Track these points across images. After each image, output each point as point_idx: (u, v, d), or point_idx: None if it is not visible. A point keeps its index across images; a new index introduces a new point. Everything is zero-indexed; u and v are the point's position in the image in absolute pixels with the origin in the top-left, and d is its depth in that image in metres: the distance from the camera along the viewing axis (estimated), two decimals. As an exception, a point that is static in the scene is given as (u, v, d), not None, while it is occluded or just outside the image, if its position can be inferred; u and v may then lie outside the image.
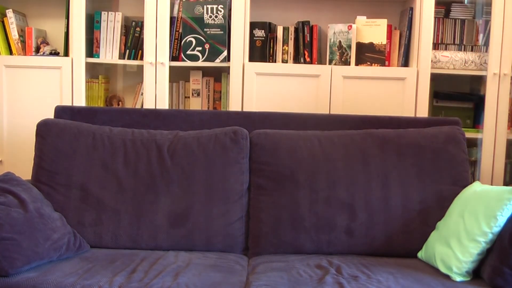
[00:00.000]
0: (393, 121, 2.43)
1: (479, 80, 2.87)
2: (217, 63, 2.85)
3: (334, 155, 2.22)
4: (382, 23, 2.79)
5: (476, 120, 2.88)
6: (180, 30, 2.86)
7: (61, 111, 2.46)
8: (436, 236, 2.07)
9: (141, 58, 2.86)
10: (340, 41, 2.82)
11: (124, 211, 2.21)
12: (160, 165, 2.25)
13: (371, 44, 2.80)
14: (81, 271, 1.87)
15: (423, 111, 2.77)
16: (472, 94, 2.92)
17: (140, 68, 2.86)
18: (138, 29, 2.88)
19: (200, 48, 2.84)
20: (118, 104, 3.04)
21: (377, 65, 2.80)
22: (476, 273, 1.91)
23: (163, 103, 2.82)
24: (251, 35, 2.87)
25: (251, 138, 2.31)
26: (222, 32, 2.83)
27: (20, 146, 2.80)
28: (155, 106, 2.80)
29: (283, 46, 2.87)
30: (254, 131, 2.34)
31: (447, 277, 1.91)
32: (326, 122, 2.42)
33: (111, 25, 2.89)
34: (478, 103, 2.88)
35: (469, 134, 2.82)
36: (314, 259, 2.06)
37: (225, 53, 2.84)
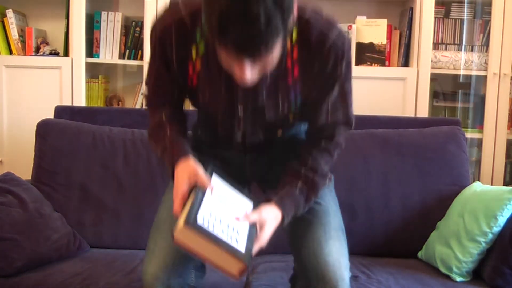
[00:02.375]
0: (393, 121, 2.42)
1: (479, 80, 2.87)
2: (217, 63, 2.85)
3: (334, 155, 2.22)
4: (382, 23, 2.79)
5: (477, 120, 2.88)
6: (180, 30, 2.86)
7: (61, 111, 2.46)
8: (436, 236, 2.07)
9: (141, 58, 2.86)
10: (340, 41, 2.81)
11: (124, 211, 2.21)
12: (160, 165, 2.25)
13: (371, 44, 2.80)
14: (81, 271, 1.87)
15: (423, 111, 2.77)
16: (472, 94, 2.92)
17: (140, 68, 2.86)
18: (138, 29, 2.87)
19: (200, 48, 2.84)
20: (118, 104, 3.04)
21: (377, 65, 2.80)
22: (476, 273, 1.91)
23: (163, 103, 2.81)
24: (251, 35, 2.86)
25: (251, 138, 2.31)
26: (222, 32, 2.83)
27: (20, 146, 2.79)
28: (155, 106, 2.80)
29: (283, 46, 2.86)
30: (254, 131, 2.34)
31: (447, 277, 1.91)
32: (326, 122, 2.42)
33: (111, 25, 2.89)
34: (478, 103, 2.88)
35: (470, 134, 2.82)
36: (314, 259, 2.06)
37: (225, 53, 2.83)
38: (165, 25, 1.39)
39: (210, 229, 1.21)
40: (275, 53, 1.20)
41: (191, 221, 1.19)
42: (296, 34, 1.34)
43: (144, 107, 1.60)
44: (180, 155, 1.42)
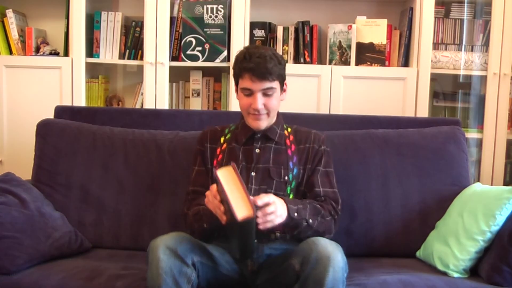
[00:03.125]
0: (393, 121, 2.43)
1: (479, 80, 2.88)
2: (217, 63, 2.85)
3: (334, 155, 2.21)
4: (382, 23, 2.79)
5: (477, 120, 2.88)
6: (180, 30, 2.86)
7: (61, 111, 2.46)
8: (435, 235, 2.08)
9: (141, 58, 2.86)
10: (340, 41, 2.82)
11: (125, 211, 2.21)
12: (160, 165, 2.25)
13: (371, 44, 2.80)
14: (83, 269, 1.87)
15: (423, 111, 2.77)
16: (472, 94, 2.92)
17: (140, 68, 2.86)
18: (138, 29, 2.88)
19: (200, 48, 2.84)
20: (118, 104, 3.04)
21: (377, 65, 2.80)
22: (473, 272, 1.91)
23: (163, 103, 2.82)
24: (251, 35, 2.87)
25: (251, 138, 2.31)
26: (222, 32, 2.83)
27: (20, 146, 2.80)
28: (155, 106, 2.80)
29: (283, 46, 2.86)
30: (254, 131, 2.34)
31: (445, 274, 1.91)
32: (326, 122, 2.42)
33: (111, 25, 2.89)
34: (478, 103, 2.88)
35: (470, 134, 2.82)
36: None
37: (225, 53, 2.84)
38: (203, 131, 2.08)
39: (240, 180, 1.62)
40: (275, 95, 1.89)
41: (235, 167, 1.64)
42: (290, 129, 2.03)
43: (183, 210, 2.00)
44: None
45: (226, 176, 1.62)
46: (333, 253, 1.60)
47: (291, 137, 2.00)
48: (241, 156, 1.95)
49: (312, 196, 1.92)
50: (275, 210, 1.67)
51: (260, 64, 1.83)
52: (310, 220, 1.79)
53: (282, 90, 1.94)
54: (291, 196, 1.91)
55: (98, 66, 3.04)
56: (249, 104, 1.89)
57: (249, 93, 1.87)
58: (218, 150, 2.00)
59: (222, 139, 2.01)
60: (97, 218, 2.20)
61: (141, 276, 1.82)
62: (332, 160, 2.01)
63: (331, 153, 2.02)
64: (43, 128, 2.32)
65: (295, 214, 1.75)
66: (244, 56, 1.87)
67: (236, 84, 1.94)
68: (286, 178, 1.92)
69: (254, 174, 1.92)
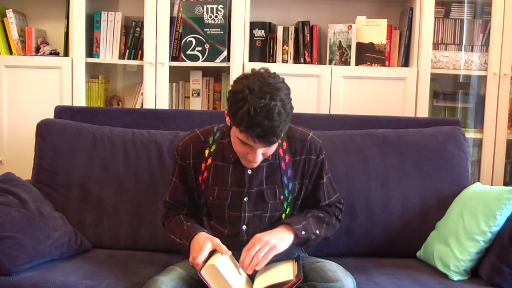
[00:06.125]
0: (393, 121, 2.43)
1: (479, 80, 2.87)
2: (217, 63, 2.85)
3: (334, 155, 2.22)
4: (382, 23, 2.79)
5: (477, 120, 2.88)
6: (180, 30, 2.86)
7: (61, 111, 2.46)
8: (435, 236, 2.08)
9: (141, 58, 2.86)
10: (340, 41, 2.82)
11: (124, 211, 2.21)
12: (160, 165, 2.25)
13: (371, 44, 2.80)
14: (82, 271, 1.87)
15: (423, 111, 2.77)
16: (472, 94, 2.92)
17: (140, 68, 2.86)
18: (138, 29, 2.88)
19: (200, 48, 2.84)
20: (118, 104, 3.04)
21: (377, 65, 2.80)
22: (474, 272, 1.91)
23: (163, 103, 2.82)
24: (251, 35, 2.87)
25: (251, 138, 2.31)
26: (222, 32, 2.83)
27: (20, 146, 2.80)
28: (155, 106, 2.80)
29: (283, 46, 2.86)
30: (254, 131, 2.34)
31: (445, 276, 1.91)
32: (326, 122, 2.42)
33: (111, 25, 2.89)
34: (478, 103, 2.88)
35: (469, 134, 2.82)
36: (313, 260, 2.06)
37: (225, 53, 2.84)
38: (184, 141, 1.88)
39: (226, 276, 1.59)
40: (276, 143, 1.66)
41: (218, 264, 1.59)
42: (283, 133, 1.74)
43: (161, 220, 1.97)
44: (199, 230, 1.76)
45: (212, 274, 1.59)
46: (343, 277, 1.62)
47: (284, 145, 1.85)
48: (231, 178, 1.81)
49: (318, 207, 1.90)
50: (261, 245, 1.66)
51: (267, 131, 1.56)
52: (317, 231, 1.80)
53: None
54: (288, 210, 1.87)
55: (98, 66, 3.04)
56: (245, 152, 1.68)
57: (248, 146, 1.66)
58: (203, 165, 1.84)
59: (206, 152, 1.84)
60: (96, 218, 2.20)
61: (142, 276, 1.82)
62: (327, 161, 1.93)
63: (326, 155, 1.91)
64: (43, 128, 2.32)
65: (303, 232, 1.74)
66: (247, 112, 1.54)
67: (231, 123, 1.66)
68: (281, 197, 1.83)
69: (247, 199, 1.82)
